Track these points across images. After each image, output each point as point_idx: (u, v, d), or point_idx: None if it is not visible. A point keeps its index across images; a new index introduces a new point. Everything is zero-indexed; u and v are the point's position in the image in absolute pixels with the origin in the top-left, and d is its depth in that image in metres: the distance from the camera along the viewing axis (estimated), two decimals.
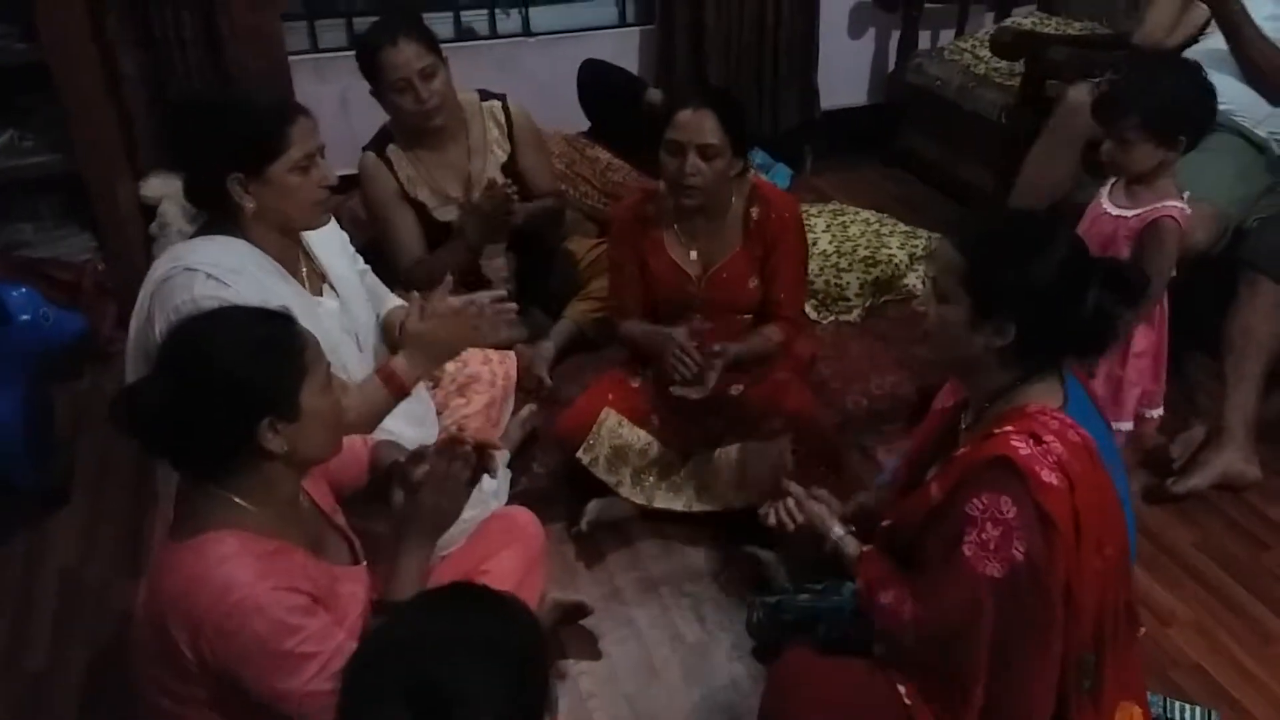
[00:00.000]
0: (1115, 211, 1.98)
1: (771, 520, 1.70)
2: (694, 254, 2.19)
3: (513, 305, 1.80)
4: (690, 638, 1.96)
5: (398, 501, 1.49)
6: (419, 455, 1.52)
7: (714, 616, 2.01)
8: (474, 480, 1.49)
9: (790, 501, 1.70)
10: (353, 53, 3.33)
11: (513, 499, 2.09)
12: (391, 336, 1.95)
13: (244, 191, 1.66)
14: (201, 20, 2.94)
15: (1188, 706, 1.76)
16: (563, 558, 2.13)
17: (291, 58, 3.18)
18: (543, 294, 2.72)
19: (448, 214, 2.52)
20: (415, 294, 1.78)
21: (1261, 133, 2.50)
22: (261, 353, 1.29)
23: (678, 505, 2.18)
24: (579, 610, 1.96)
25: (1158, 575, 2.06)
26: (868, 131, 3.94)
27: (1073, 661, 1.49)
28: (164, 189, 3.00)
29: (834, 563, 1.72)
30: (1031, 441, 1.42)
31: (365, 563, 1.53)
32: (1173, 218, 1.93)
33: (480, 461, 1.48)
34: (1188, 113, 1.93)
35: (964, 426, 1.62)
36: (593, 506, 2.17)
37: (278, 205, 1.68)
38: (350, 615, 1.42)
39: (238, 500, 1.31)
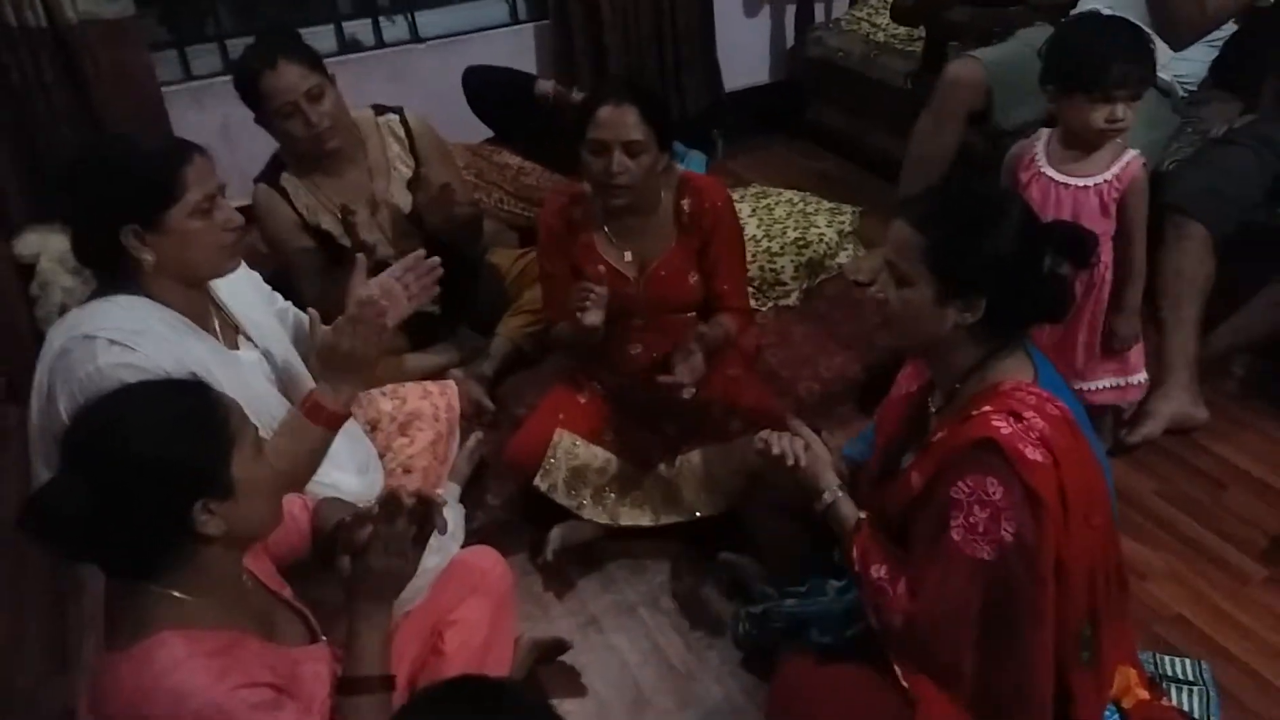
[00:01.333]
0: (1080, 182, 1.95)
1: (775, 449, 1.59)
2: (628, 255, 2.10)
3: (429, 261, 1.71)
4: (676, 659, 1.89)
5: (344, 568, 1.36)
6: (361, 518, 1.39)
7: (697, 632, 1.93)
8: (422, 537, 1.38)
9: (795, 442, 1.58)
10: (229, 77, 3.17)
11: (470, 537, 1.97)
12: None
13: (140, 244, 1.51)
14: (62, 63, 2.71)
15: (1178, 660, 1.76)
16: (530, 590, 2.03)
17: (165, 89, 2.98)
18: (471, 312, 2.60)
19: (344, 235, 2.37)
20: (312, 311, 1.65)
21: (1166, 76, 2.53)
22: (181, 430, 1.16)
23: (645, 520, 2.10)
24: (557, 647, 1.86)
25: (1125, 529, 2.04)
26: (774, 109, 3.91)
27: (1070, 635, 1.48)
28: (40, 245, 2.77)
29: (821, 525, 1.65)
30: (1012, 419, 1.39)
31: (324, 638, 1.41)
32: (1143, 165, 1.93)
33: (426, 515, 1.37)
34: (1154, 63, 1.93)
35: (933, 410, 1.59)
36: (556, 534, 2.07)
37: (180, 255, 1.54)
38: (318, 697, 1.31)
39: (177, 594, 1.19)
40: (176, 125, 2.96)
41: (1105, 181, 1.93)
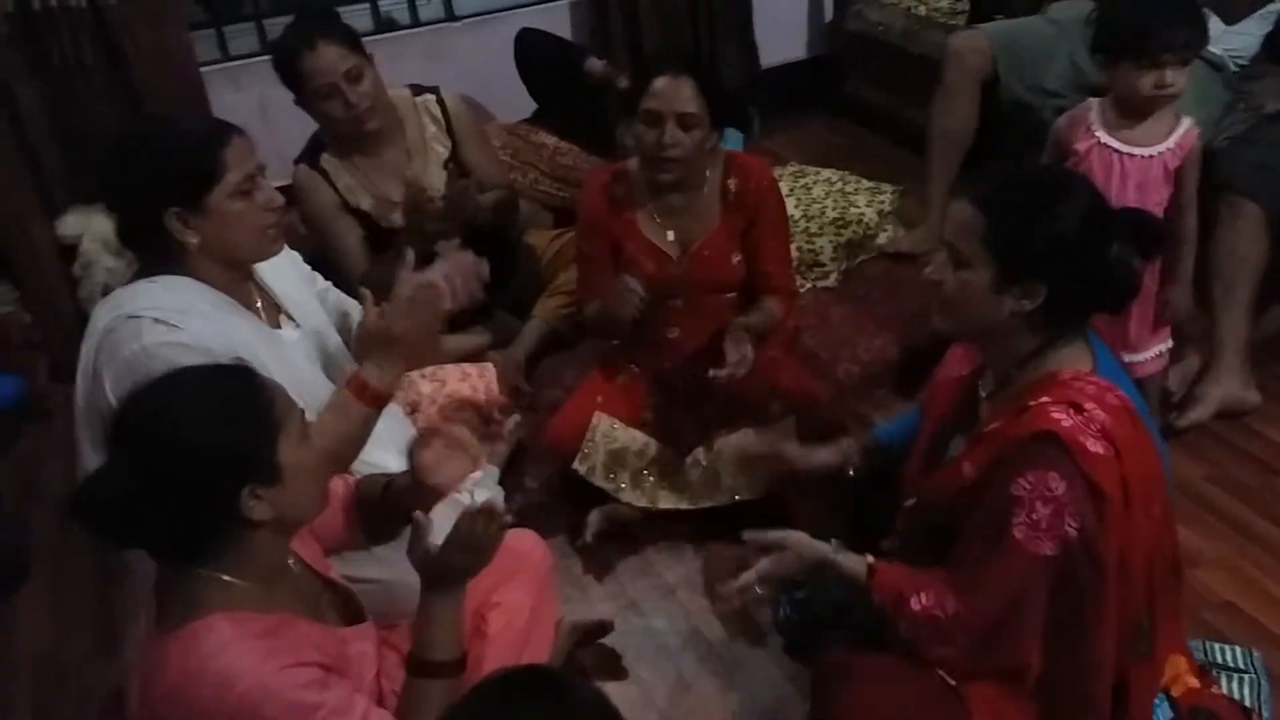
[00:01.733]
0: (1144, 151, 1.92)
1: (746, 579, 1.54)
2: (671, 233, 2.08)
3: (479, 265, 1.72)
4: (717, 643, 1.88)
5: (418, 555, 1.35)
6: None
7: (738, 616, 1.92)
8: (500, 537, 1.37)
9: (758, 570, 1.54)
10: (267, 57, 3.17)
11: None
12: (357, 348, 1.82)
13: (184, 227, 1.51)
14: (102, 42, 2.72)
15: (1227, 648, 1.73)
16: (570, 573, 2.03)
17: (203, 69, 2.99)
18: (507, 294, 2.59)
19: (395, 220, 2.37)
20: (365, 290, 1.65)
21: (1217, 50, 2.46)
22: (228, 415, 1.16)
23: (683, 503, 2.09)
24: (600, 629, 1.86)
25: (1175, 515, 2.02)
26: (811, 85, 3.85)
27: (1129, 628, 1.45)
28: (82, 225, 2.79)
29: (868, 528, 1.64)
30: (1072, 411, 1.36)
31: (369, 618, 1.42)
32: (1199, 134, 1.91)
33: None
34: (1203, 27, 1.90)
35: (984, 395, 1.55)
36: (595, 516, 2.07)
37: (223, 237, 1.54)
38: (366, 676, 1.33)
39: (225, 578, 1.20)
40: (215, 105, 2.96)
41: (1169, 150, 1.90)
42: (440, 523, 1.35)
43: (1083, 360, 1.44)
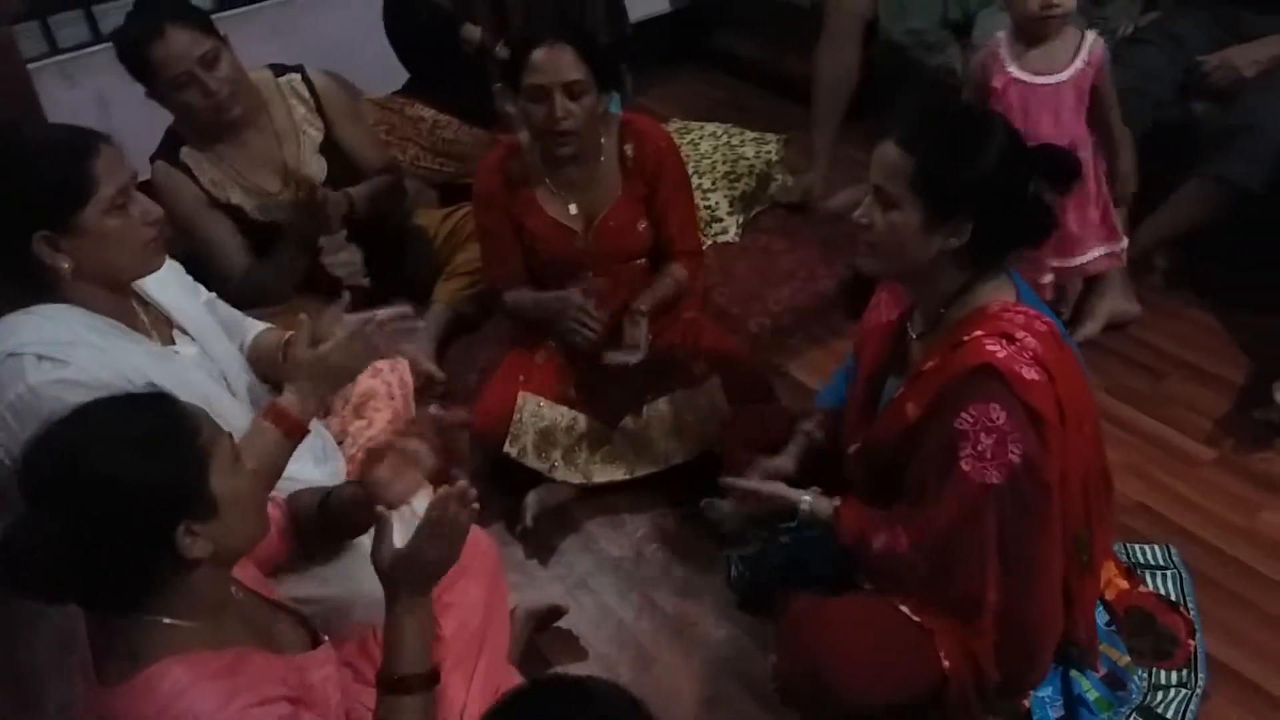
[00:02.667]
0: (1055, 79, 1.98)
1: (728, 508, 1.63)
2: (573, 207, 2.03)
3: (413, 317, 1.64)
4: (670, 608, 1.88)
5: (385, 560, 1.29)
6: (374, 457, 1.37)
7: (688, 580, 1.93)
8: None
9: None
10: (99, 46, 2.93)
11: None
12: (266, 365, 1.72)
13: (54, 251, 1.39)
14: None
15: (1148, 548, 1.85)
16: (513, 560, 1.98)
17: (30, 65, 2.72)
18: (401, 280, 2.49)
19: (270, 213, 2.23)
20: (303, 316, 1.56)
21: None
22: (152, 450, 1.07)
23: (619, 475, 2.07)
24: (553, 614, 1.83)
25: None
26: (679, 38, 3.82)
27: (1070, 541, 1.52)
28: None
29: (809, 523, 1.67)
30: (1005, 342, 1.40)
31: (325, 639, 1.35)
32: (1104, 44, 2.01)
33: (453, 444, 1.33)
34: None
35: (915, 336, 1.59)
36: (532, 499, 2.03)
37: (100, 258, 1.42)
38: (331, 702, 1.26)
39: (167, 621, 1.11)
40: (47, 104, 2.70)
41: (1078, 71, 1.97)
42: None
43: (1007, 292, 1.49)
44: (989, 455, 1.39)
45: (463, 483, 1.28)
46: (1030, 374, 1.38)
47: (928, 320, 1.54)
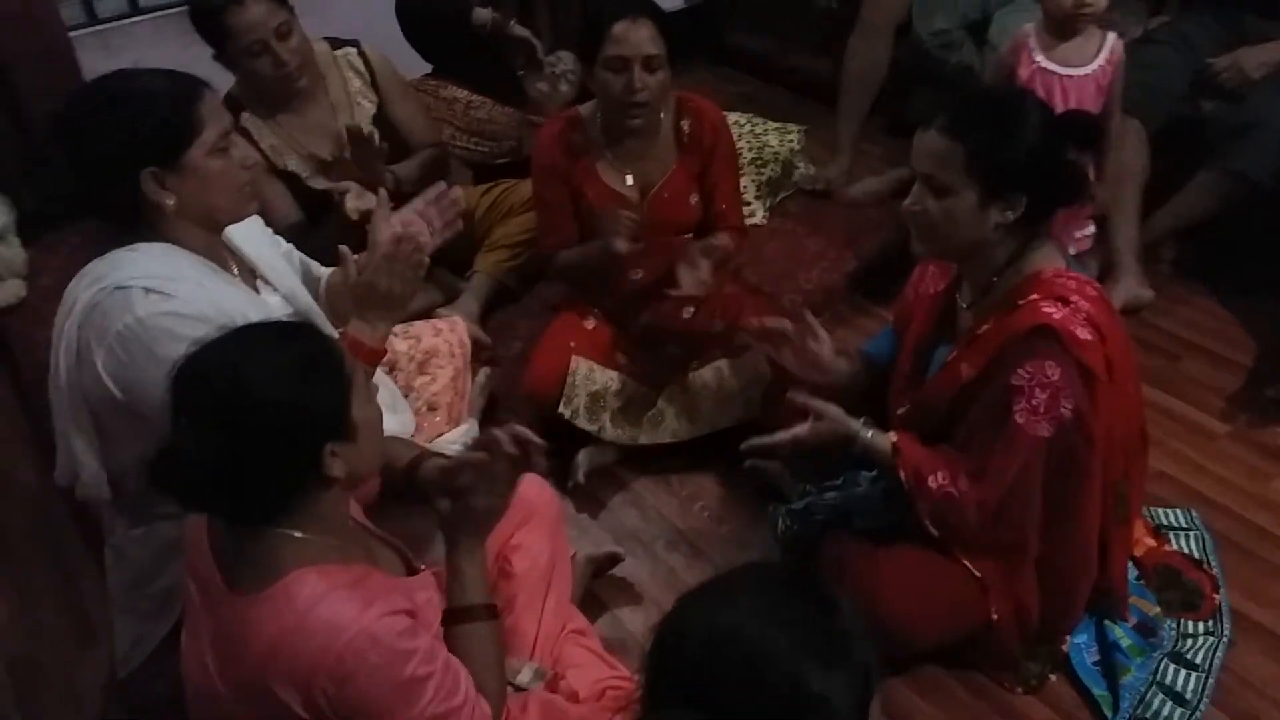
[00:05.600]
0: (1079, 71, 2.10)
1: (782, 437, 1.67)
2: (630, 178, 2.10)
3: (447, 191, 1.70)
4: (720, 560, 1.95)
5: (444, 508, 1.39)
6: (461, 464, 1.41)
7: (735, 534, 2.00)
8: (517, 476, 1.40)
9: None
10: (137, 18, 2.97)
11: None
12: (337, 305, 1.78)
13: (160, 188, 1.44)
14: None
15: (1171, 511, 1.96)
16: (566, 514, 2.03)
17: (71, 34, 2.76)
18: (443, 252, 2.54)
19: (321, 181, 2.29)
20: (343, 248, 1.61)
21: None
22: (308, 373, 1.14)
23: (665, 437, 2.14)
24: (611, 560, 1.91)
25: None
26: (693, 34, 3.90)
27: (1110, 494, 1.62)
28: None
29: (857, 459, 1.75)
30: (1060, 304, 1.49)
31: (422, 567, 1.42)
32: (1124, 46, 2.12)
33: (525, 453, 1.38)
34: None
35: (965, 305, 1.67)
36: (582, 457, 2.10)
37: (201, 197, 1.48)
38: (434, 624, 1.33)
39: (299, 535, 1.18)
40: (87, 73, 2.73)
41: (1099, 67, 2.09)
42: None
43: (1056, 259, 1.58)
44: (1042, 409, 1.48)
45: (503, 436, 1.36)
46: (1084, 334, 1.48)
47: (977, 290, 1.63)
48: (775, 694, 0.88)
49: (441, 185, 1.73)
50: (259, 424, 1.09)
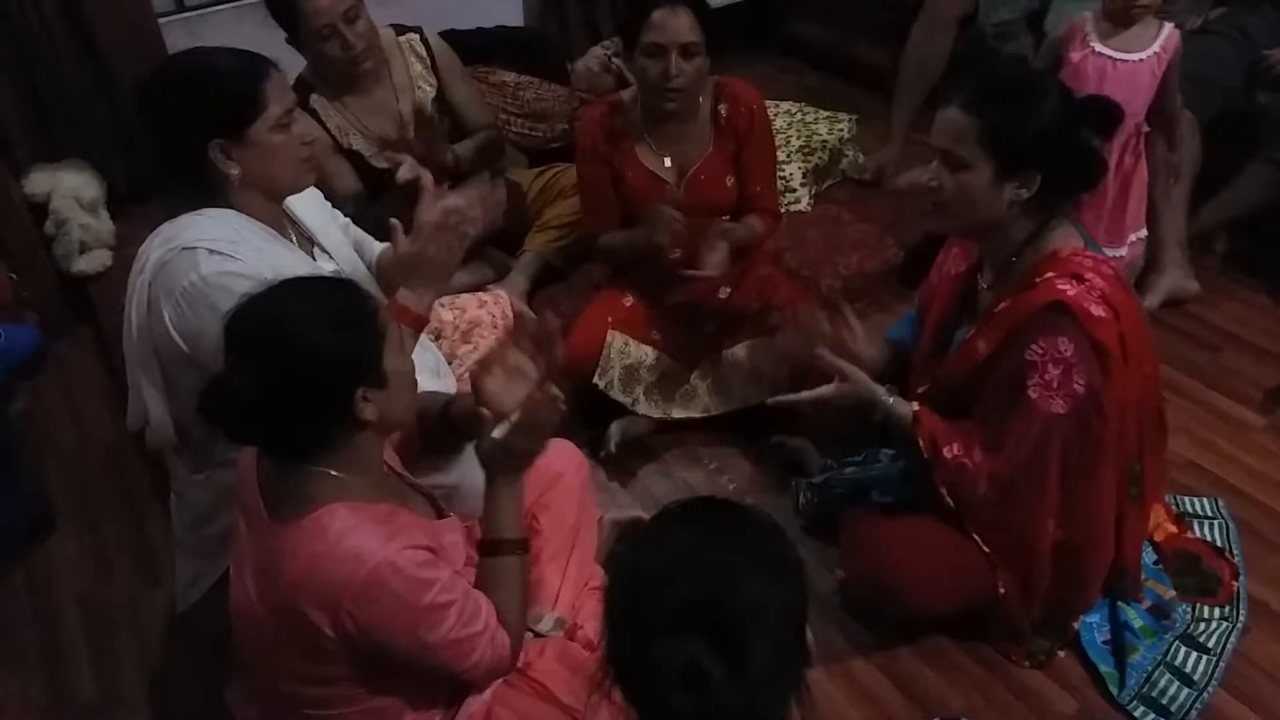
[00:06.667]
0: (1133, 56, 2.13)
1: (808, 396, 1.73)
2: (668, 160, 2.18)
3: (488, 181, 1.79)
4: None
5: (485, 448, 1.47)
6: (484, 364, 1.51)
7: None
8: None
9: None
10: (221, 7, 3.14)
11: None
12: (389, 277, 1.87)
13: (226, 158, 1.56)
14: None
15: (1197, 500, 1.96)
16: (597, 482, 2.11)
17: (160, 20, 2.94)
18: (496, 230, 2.66)
19: (384, 160, 2.41)
20: (395, 222, 1.72)
21: None
22: (344, 322, 1.25)
23: (696, 412, 2.22)
24: (636, 525, 1.98)
25: None
26: (756, 24, 3.95)
27: (1124, 472, 1.64)
28: (49, 184, 2.74)
29: (879, 428, 1.80)
30: (1075, 282, 1.52)
31: (451, 515, 1.52)
32: (1180, 36, 2.14)
33: (547, 354, 1.50)
34: None
35: (985, 286, 1.71)
36: (615, 428, 2.18)
37: (264, 168, 1.59)
38: (457, 564, 1.42)
39: (334, 473, 1.29)
40: None
41: (1154, 54, 2.11)
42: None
43: (1074, 239, 1.61)
44: (1055, 385, 1.52)
45: (551, 387, 1.45)
46: (1098, 311, 1.50)
47: (997, 270, 1.67)
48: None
49: (485, 180, 1.82)
50: (297, 364, 1.20)
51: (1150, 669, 1.65)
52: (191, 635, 1.80)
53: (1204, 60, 2.49)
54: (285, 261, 1.61)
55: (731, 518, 1.01)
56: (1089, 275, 1.53)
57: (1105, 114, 1.59)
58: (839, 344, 1.79)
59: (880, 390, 1.69)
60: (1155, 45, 2.12)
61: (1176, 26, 2.66)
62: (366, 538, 1.23)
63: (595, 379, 2.15)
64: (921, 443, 1.64)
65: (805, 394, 1.74)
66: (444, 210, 1.68)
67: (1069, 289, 1.51)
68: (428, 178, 1.88)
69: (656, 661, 0.89)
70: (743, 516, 1.02)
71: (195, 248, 1.54)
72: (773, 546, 0.99)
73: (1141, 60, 2.12)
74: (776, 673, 0.93)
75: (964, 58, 2.90)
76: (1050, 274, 1.55)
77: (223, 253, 1.54)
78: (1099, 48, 2.13)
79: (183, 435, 1.68)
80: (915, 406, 1.67)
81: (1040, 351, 1.52)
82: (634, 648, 0.93)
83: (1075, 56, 2.15)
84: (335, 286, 1.30)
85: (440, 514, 1.51)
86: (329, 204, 1.90)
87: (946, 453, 1.62)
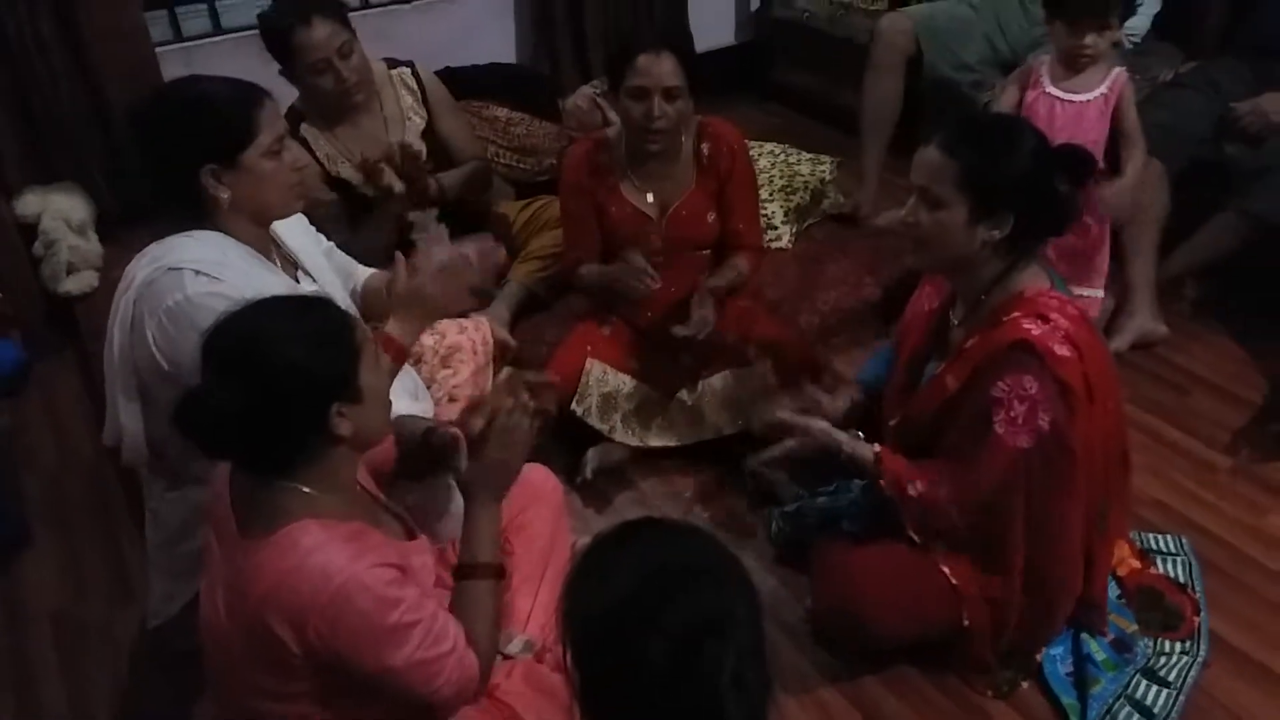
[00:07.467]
0: (1080, 97, 2.23)
1: (779, 451, 1.79)
2: (650, 196, 2.23)
3: (492, 239, 1.83)
4: None
5: (460, 468, 1.49)
6: (474, 408, 1.52)
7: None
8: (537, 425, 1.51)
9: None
10: (219, 38, 3.20)
11: None
12: (372, 304, 1.92)
13: (217, 183, 1.60)
14: (58, 22, 2.71)
15: (1161, 536, 2.00)
16: (572, 508, 2.14)
17: (157, 50, 3.00)
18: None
19: (370, 187, 2.46)
20: (400, 255, 1.76)
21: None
22: (320, 339, 1.27)
23: (672, 440, 2.25)
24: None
25: None
26: (741, 70, 4.05)
27: (1095, 506, 1.67)
28: (40, 205, 2.78)
29: (847, 468, 1.83)
30: (1040, 321, 1.57)
31: (422, 536, 1.54)
32: (1129, 78, 2.24)
33: (539, 402, 1.50)
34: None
35: (956, 323, 1.75)
36: (592, 455, 2.21)
37: (254, 194, 1.63)
38: (425, 586, 1.43)
39: (306, 490, 1.30)
40: None
41: (1101, 95, 2.21)
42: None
43: (1041, 280, 1.66)
44: (1020, 421, 1.55)
45: (525, 395, 1.47)
46: (1062, 350, 1.55)
47: (968, 307, 1.71)
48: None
49: (487, 237, 1.86)
50: (273, 379, 1.22)
51: (1111, 701, 1.67)
52: (164, 653, 1.80)
53: (1175, 112, 2.58)
54: (269, 284, 1.64)
55: (675, 535, 1.05)
56: (1054, 315, 1.57)
57: (1078, 162, 1.65)
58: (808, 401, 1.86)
59: (843, 437, 1.73)
60: (1102, 87, 2.23)
61: (1147, 80, 2.78)
62: (335, 554, 1.24)
63: (573, 405, 2.18)
64: (883, 483, 1.67)
65: (771, 450, 1.86)
66: (454, 255, 1.73)
67: (1034, 329, 1.56)
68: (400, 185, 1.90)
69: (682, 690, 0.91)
70: (684, 532, 1.05)
71: (181, 268, 1.56)
72: (713, 548, 1.02)
73: (1088, 101, 2.23)
74: (760, 683, 0.96)
75: (941, 108, 2.99)
76: (1017, 313, 1.59)
77: (208, 274, 1.57)
78: (1049, 89, 2.24)
79: (158, 452, 1.69)
80: (876, 448, 1.71)
81: (1006, 389, 1.56)
82: (646, 689, 0.93)
83: (1030, 96, 2.26)
84: (311, 303, 1.33)
85: (411, 535, 1.52)
86: (313, 229, 1.93)
87: (911, 490, 1.66)
